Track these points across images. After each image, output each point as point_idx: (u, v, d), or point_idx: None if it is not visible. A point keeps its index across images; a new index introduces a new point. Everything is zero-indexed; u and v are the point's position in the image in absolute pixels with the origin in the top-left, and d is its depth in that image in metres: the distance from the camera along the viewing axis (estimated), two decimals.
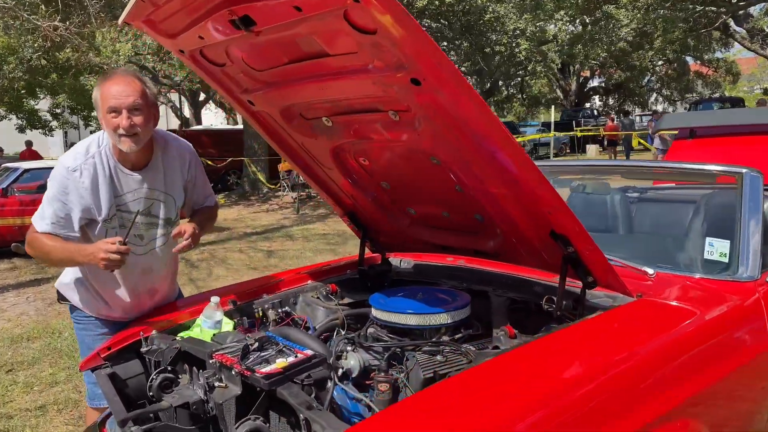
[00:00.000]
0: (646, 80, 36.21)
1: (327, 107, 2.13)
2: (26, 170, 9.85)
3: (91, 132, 19.66)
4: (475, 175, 1.95)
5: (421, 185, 2.32)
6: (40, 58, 16.27)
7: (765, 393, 2.28)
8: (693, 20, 18.67)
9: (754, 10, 21.84)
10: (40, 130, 25.03)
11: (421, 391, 1.71)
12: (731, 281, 2.35)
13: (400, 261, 3.04)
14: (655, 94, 40.49)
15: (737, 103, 23.93)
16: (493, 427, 1.40)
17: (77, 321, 2.55)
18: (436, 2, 17.21)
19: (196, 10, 1.83)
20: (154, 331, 2.26)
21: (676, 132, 5.15)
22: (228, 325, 2.24)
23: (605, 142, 23.23)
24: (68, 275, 2.51)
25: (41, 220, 2.31)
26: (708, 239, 2.63)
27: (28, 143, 18.24)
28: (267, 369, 1.69)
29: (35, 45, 14.51)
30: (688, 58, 32.75)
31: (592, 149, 23.45)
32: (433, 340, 2.15)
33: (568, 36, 23.25)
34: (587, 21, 20.91)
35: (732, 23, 22.17)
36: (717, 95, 33.38)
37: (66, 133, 33.67)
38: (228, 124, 29.80)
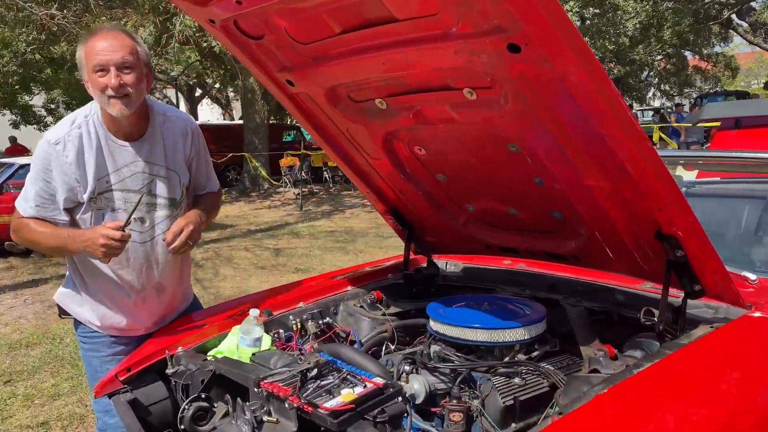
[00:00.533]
0: (644, 75, 35.96)
1: (383, 86, 1.81)
2: (22, 166, 9.49)
3: None
4: (569, 165, 1.63)
5: (487, 178, 2.01)
6: (34, 51, 15.88)
7: None
8: (703, 11, 18.39)
9: (757, 3, 21.59)
10: (35, 126, 24.57)
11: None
12: None
13: (446, 263, 2.72)
14: (653, 89, 40.25)
15: (743, 96, 23.61)
16: None
17: (83, 340, 2.21)
18: None
19: None
20: (180, 349, 1.95)
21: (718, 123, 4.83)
22: (266, 340, 1.92)
23: None
24: (69, 283, 2.19)
25: (25, 203, 2.01)
26: None
27: (12, 139, 17.96)
28: (332, 404, 1.37)
29: (29, 38, 14.12)
30: (687, 53, 32.48)
31: None
32: (506, 360, 1.85)
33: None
34: (594, 13, 20.59)
35: (734, 17, 21.90)
36: (715, 90, 33.10)
37: None
38: (225, 119, 29.40)
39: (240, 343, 1.83)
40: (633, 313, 2.01)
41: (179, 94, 26.32)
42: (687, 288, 1.76)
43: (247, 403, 1.53)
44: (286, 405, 1.43)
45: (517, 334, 1.86)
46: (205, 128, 19.46)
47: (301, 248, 8.80)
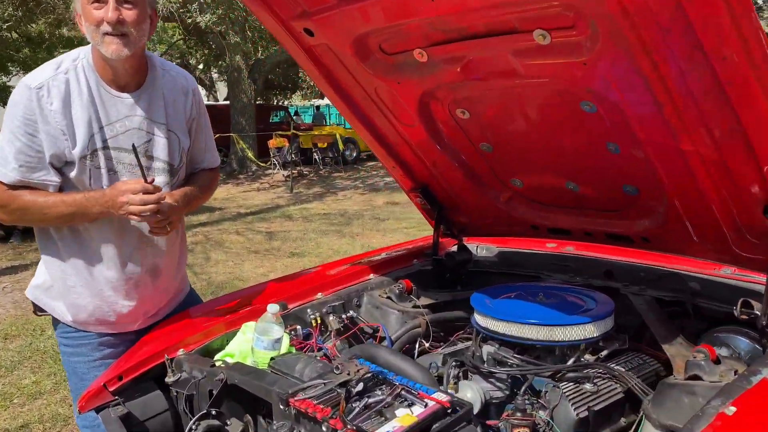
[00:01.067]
0: None
1: (427, 33, 1.49)
2: None
3: None
4: (665, 126, 1.32)
5: (543, 146, 1.70)
6: (10, 29, 15.19)
7: None
8: None
9: None
10: None
11: None
12: None
13: (476, 247, 2.42)
14: None
15: None
16: None
17: (65, 342, 1.87)
18: None
19: None
20: (181, 352, 1.63)
21: None
22: (285, 340, 1.60)
23: None
24: (41, 275, 1.85)
25: (3, 168, 1.65)
26: None
27: None
28: (388, 430, 1.07)
29: (5, 14, 13.48)
30: None
31: None
32: (571, 362, 1.56)
33: None
34: None
35: None
36: None
37: None
38: (208, 100, 28.77)
39: (255, 345, 1.51)
40: (711, 303, 1.73)
41: None
42: None
43: (273, 425, 1.22)
44: (324, 429, 1.12)
45: (586, 332, 1.57)
46: None
47: (295, 231, 8.46)
